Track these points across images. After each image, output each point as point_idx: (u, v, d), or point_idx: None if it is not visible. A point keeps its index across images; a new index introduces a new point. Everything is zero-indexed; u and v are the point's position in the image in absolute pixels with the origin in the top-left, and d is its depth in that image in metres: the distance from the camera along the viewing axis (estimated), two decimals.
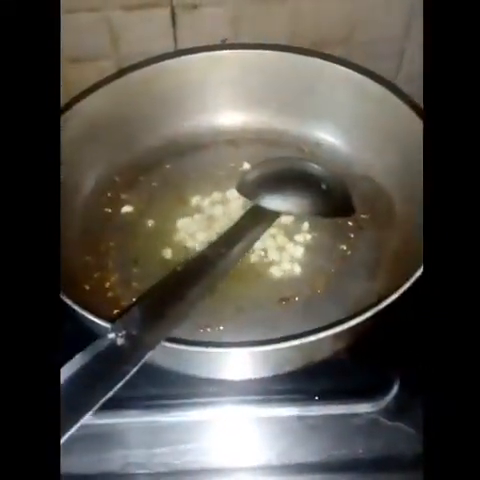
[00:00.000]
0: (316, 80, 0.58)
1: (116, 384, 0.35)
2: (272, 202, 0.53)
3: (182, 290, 0.43)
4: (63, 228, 0.50)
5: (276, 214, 0.53)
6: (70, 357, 0.36)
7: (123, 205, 0.55)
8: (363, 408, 0.47)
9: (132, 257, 0.51)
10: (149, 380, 0.46)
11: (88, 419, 0.44)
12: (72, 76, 0.63)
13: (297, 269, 0.51)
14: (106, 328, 0.39)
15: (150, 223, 0.54)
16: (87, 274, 0.50)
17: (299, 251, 0.52)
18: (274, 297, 0.49)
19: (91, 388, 0.35)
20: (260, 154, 0.59)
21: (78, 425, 0.33)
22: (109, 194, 0.56)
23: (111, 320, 0.40)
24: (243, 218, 0.53)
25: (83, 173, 0.55)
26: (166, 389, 0.47)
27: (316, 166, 0.56)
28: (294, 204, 0.54)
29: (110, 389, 0.35)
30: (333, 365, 0.46)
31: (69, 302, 0.40)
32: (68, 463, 0.41)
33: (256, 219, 0.52)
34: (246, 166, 0.58)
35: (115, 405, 0.45)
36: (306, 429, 0.46)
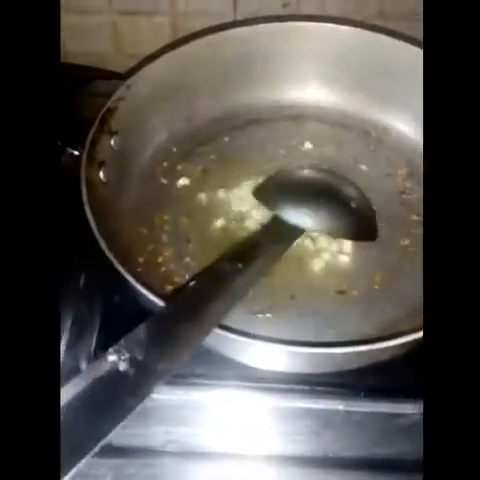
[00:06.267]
0: (391, 61, 0.55)
1: (117, 422, 0.29)
2: (295, 216, 0.49)
3: (195, 310, 0.38)
4: (120, 196, 0.50)
5: (300, 231, 0.49)
6: (127, 329, 0.34)
7: (179, 177, 0.54)
8: (410, 409, 0.45)
9: (186, 232, 0.50)
10: (195, 358, 0.45)
11: None
12: (125, 29, 0.63)
13: (356, 262, 0.49)
14: (157, 305, 0.38)
15: (205, 197, 0.53)
16: (141, 246, 0.49)
17: (360, 244, 0.50)
18: (330, 288, 0.47)
19: (88, 428, 0.29)
20: (323, 134, 0.57)
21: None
22: (165, 164, 0.55)
23: (163, 296, 0.39)
24: (262, 232, 0.48)
25: (143, 141, 0.54)
26: (212, 369, 0.46)
27: (349, 182, 0.53)
28: (316, 221, 0.49)
29: (110, 428, 0.29)
30: (382, 363, 0.45)
31: (125, 274, 0.39)
32: None
33: (277, 235, 0.47)
34: (308, 145, 0.56)
35: None
36: (350, 424, 0.45)
